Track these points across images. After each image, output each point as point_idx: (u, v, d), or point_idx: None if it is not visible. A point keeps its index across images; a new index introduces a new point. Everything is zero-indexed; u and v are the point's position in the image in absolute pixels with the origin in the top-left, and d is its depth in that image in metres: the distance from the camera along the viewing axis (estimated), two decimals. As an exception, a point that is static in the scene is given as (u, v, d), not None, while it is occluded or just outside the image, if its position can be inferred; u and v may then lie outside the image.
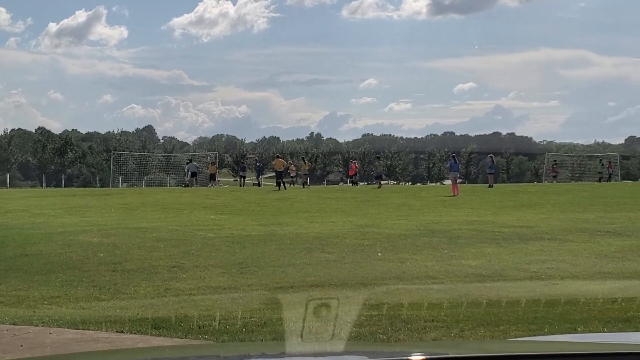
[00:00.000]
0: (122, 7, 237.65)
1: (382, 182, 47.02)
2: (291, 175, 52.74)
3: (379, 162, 51.80)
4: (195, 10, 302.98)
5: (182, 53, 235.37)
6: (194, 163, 53.94)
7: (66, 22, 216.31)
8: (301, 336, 3.95)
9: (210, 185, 52.53)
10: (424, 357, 2.60)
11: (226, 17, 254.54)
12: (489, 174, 47.34)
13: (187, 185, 51.16)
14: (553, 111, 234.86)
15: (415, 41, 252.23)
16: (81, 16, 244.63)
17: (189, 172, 51.75)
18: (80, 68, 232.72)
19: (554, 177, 60.64)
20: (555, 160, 69.21)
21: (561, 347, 3.22)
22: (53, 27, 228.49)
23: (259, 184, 52.19)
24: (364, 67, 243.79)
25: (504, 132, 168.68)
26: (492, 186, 41.05)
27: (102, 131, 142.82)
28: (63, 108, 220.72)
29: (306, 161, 56.73)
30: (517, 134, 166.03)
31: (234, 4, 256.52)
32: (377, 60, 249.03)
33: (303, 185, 49.48)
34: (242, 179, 54.63)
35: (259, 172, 55.82)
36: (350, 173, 53.06)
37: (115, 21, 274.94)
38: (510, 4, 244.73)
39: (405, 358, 2.70)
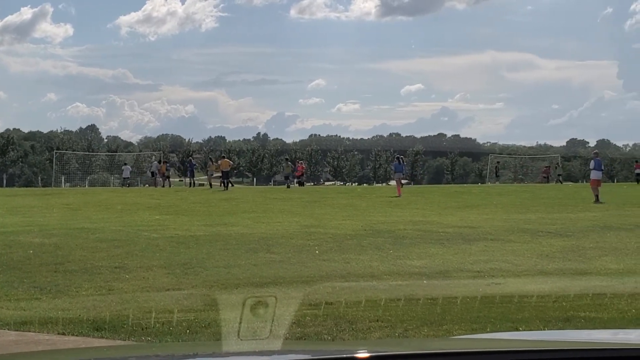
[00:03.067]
0: (69, 4, 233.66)
1: (289, 184, 47.06)
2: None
3: (286, 164, 51.90)
4: (143, 8, 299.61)
5: (128, 52, 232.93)
6: (158, 164, 53.68)
7: (10, 18, 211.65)
8: (238, 335, 3.92)
9: (162, 185, 52.40)
10: (367, 354, 2.61)
11: (174, 16, 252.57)
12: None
13: (148, 184, 50.99)
14: (498, 113, 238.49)
15: (364, 42, 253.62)
16: (26, 13, 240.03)
17: (150, 172, 51.99)
18: (23, 66, 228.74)
19: (545, 178, 61.29)
20: (498, 162, 70.17)
21: (501, 344, 3.26)
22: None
23: (192, 184, 51.83)
24: (313, 67, 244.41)
25: (449, 133, 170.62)
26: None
27: (45, 130, 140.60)
28: (5, 107, 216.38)
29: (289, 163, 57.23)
30: (462, 135, 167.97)
31: (183, 3, 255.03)
32: (326, 61, 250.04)
33: (288, 186, 49.85)
34: (192, 179, 54.25)
35: (192, 173, 55.10)
36: (297, 174, 53.14)
37: (61, 19, 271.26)
38: (457, 6, 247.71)
39: (347, 356, 2.71)
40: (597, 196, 29.13)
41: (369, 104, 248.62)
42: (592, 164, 31.19)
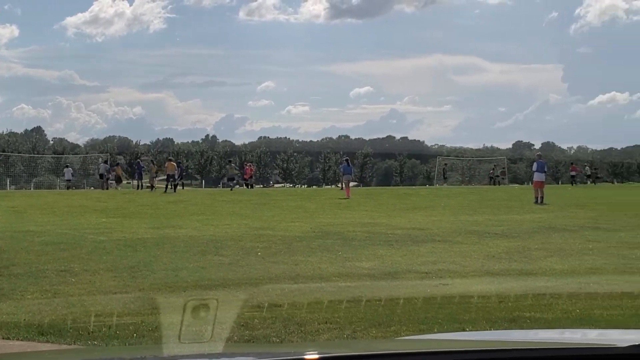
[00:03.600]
0: (14, 5, 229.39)
1: (233, 186, 47.40)
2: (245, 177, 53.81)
3: (230, 166, 52.05)
4: (90, 9, 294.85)
5: (75, 53, 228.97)
6: (106, 165, 53.15)
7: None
8: (179, 339, 3.90)
9: (117, 187, 52.02)
10: (316, 356, 2.62)
11: (121, 17, 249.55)
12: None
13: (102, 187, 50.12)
14: (445, 116, 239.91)
15: (313, 45, 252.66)
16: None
17: (99, 174, 51.40)
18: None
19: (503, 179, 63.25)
20: (445, 164, 70.84)
21: (447, 344, 3.30)
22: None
23: (140, 187, 51.31)
24: (262, 70, 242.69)
25: (398, 135, 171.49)
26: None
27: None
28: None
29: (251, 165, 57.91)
30: (410, 137, 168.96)
31: (130, 4, 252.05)
32: (275, 63, 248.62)
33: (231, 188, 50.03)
34: (140, 182, 53.69)
35: (140, 175, 54.49)
36: (246, 177, 53.49)
37: (5, 19, 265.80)
38: (406, 9, 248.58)
39: (296, 357, 2.72)
40: (538, 198, 29.73)
41: (319, 106, 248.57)
42: (535, 166, 31.88)
